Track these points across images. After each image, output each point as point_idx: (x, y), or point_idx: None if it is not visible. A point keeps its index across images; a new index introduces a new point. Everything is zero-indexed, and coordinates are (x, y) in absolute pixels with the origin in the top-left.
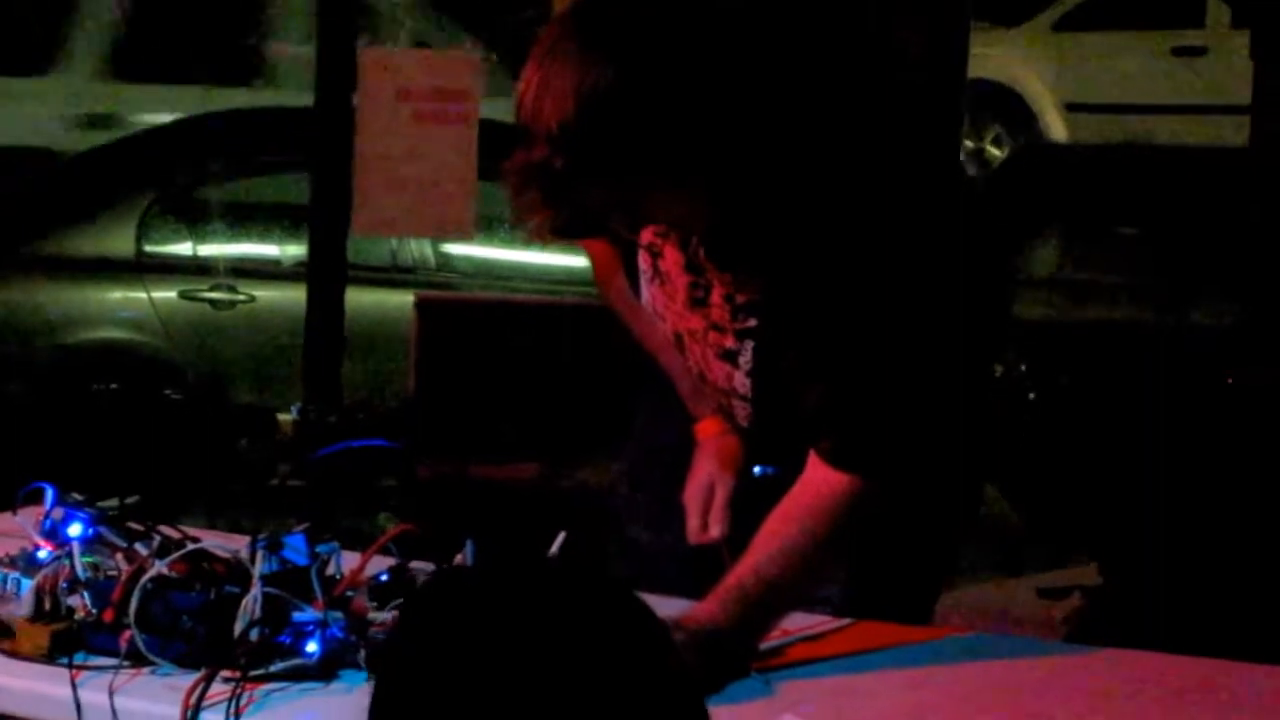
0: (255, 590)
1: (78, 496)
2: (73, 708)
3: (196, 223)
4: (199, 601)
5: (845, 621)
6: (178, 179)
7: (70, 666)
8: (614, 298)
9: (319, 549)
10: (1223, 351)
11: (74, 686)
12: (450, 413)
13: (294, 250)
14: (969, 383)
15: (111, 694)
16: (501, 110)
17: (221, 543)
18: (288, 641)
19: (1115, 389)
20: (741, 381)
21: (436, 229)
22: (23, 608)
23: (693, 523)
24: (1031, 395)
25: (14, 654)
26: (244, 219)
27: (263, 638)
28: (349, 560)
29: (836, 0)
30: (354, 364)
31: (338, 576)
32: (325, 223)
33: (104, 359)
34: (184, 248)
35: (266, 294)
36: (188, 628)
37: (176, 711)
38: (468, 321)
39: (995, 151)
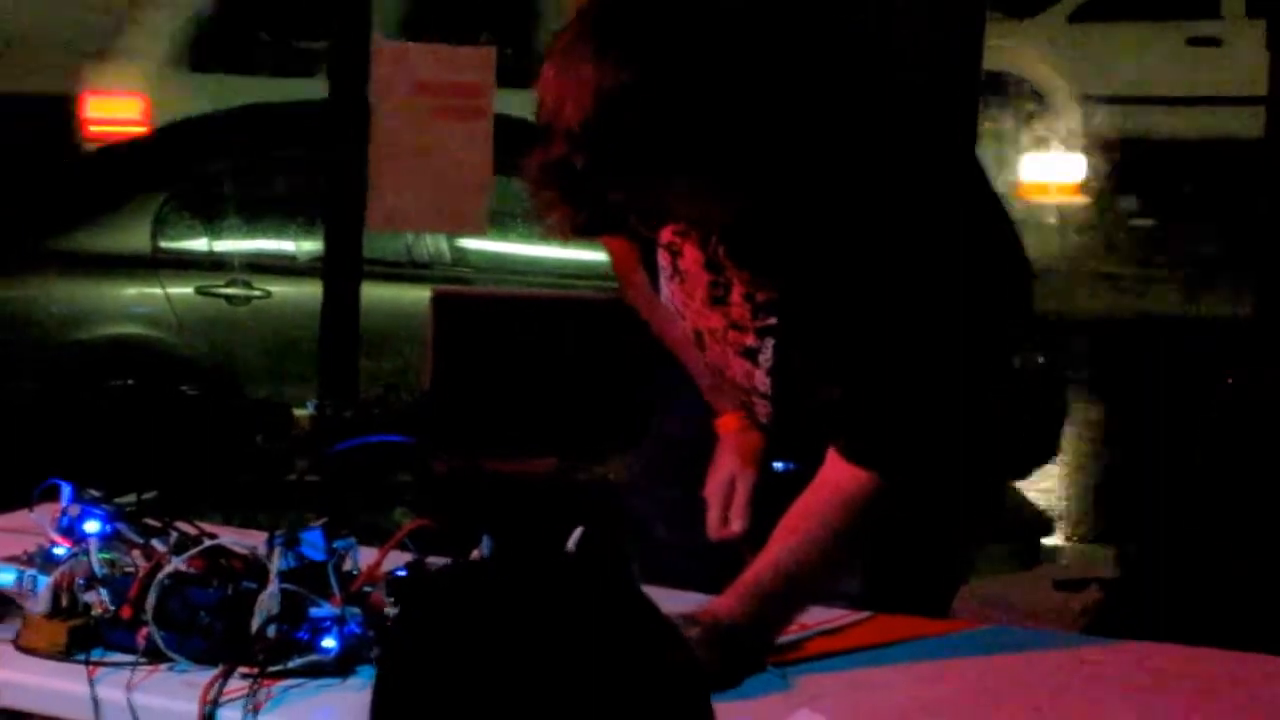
0: (273, 586)
1: (94, 493)
2: (90, 704)
3: (212, 218)
4: (216, 598)
5: (862, 615)
6: (193, 174)
7: (88, 663)
8: (633, 294)
9: (336, 544)
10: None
11: (91, 683)
12: (466, 407)
13: (309, 245)
14: (989, 379)
15: (129, 690)
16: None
17: (239, 539)
18: (305, 637)
19: (1130, 379)
20: (762, 379)
21: (451, 224)
22: (40, 604)
23: (713, 518)
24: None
25: (31, 650)
26: (260, 214)
27: (280, 634)
28: (366, 556)
29: None
30: (370, 359)
31: (355, 572)
32: (340, 218)
33: (120, 355)
34: (200, 243)
35: (282, 289)
36: (205, 624)
37: (194, 708)
38: (484, 316)
39: None
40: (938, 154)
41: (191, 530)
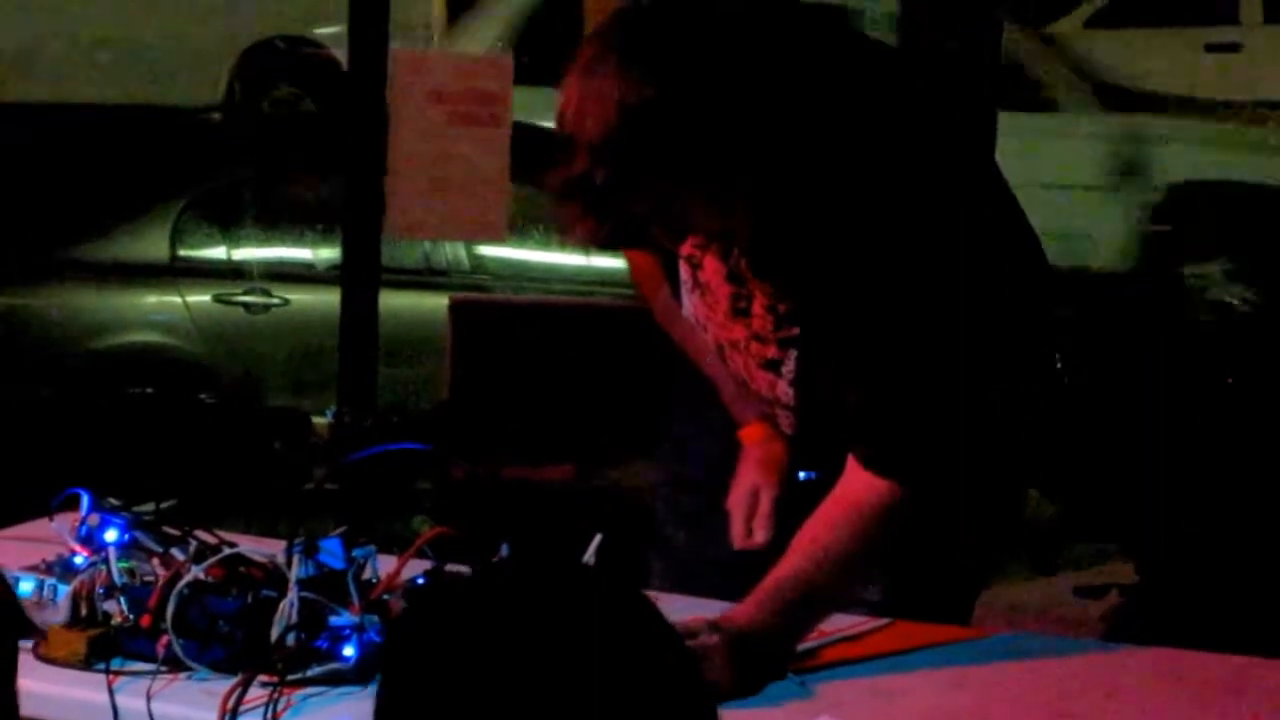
0: (292, 595)
1: (114, 501)
2: (110, 713)
3: (230, 226)
4: (236, 606)
5: (883, 621)
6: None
7: (107, 672)
8: (655, 306)
9: (355, 553)
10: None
11: (111, 692)
12: (485, 415)
13: (327, 253)
14: (1010, 387)
15: (149, 699)
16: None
17: (258, 547)
18: (325, 646)
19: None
20: (785, 390)
21: (470, 231)
22: (60, 614)
23: (737, 529)
24: (1066, 389)
25: (51, 660)
26: (277, 222)
27: (299, 642)
28: (385, 564)
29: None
30: (388, 367)
31: (374, 580)
32: (358, 226)
33: (138, 363)
34: (218, 251)
35: (300, 297)
36: (225, 632)
37: (214, 717)
38: (502, 323)
39: None
40: (957, 162)
41: (210, 539)
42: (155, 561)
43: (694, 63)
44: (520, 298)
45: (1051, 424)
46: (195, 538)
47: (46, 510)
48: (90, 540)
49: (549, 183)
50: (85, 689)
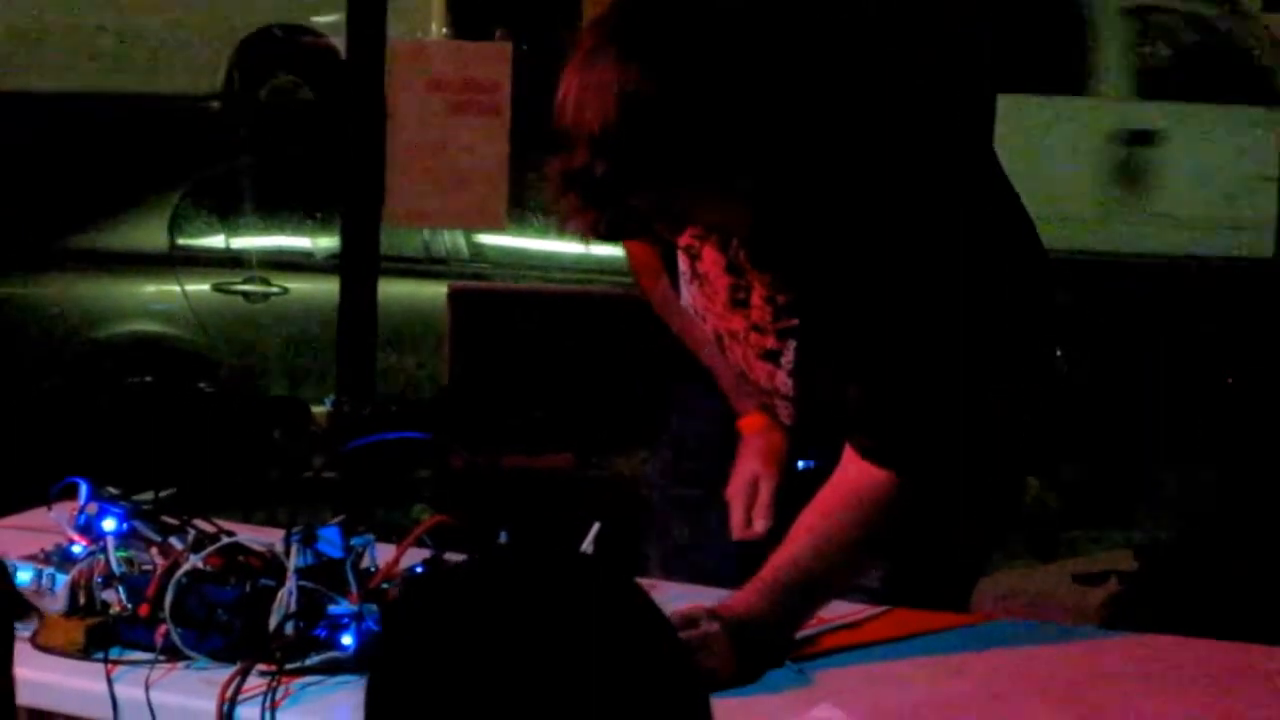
0: (290, 584)
1: (112, 491)
2: (108, 702)
3: (228, 215)
4: (234, 595)
5: (881, 609)
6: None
7: (106, 661)
8: (654, 295)
9: (353, 541)
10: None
11: (109, 681)
12: (484, 403)
13: (326, 242)
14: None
15: (147, 688)
16: None
17: (256, 536)
18: (323, 635)
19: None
20: (784, 381)
21: (469, 220)
22: (58, 603)
23: (737, 519)
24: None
25: (49, 649)
26: (276, 211)
27: (298, 631)
28: (384, 552)
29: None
30: (387, 355)
31: (373, 569)
32: (357, 214)
33: (137, 352)
34: (216, 240)
35: (299, 286)
36: (223, 621)
37: (212, 705)
38: (501, 312)
39: None
40: (956, 156)
41: (209, 528)
42: (154, 550)
43: (694, 53)
44: (519, 286)
45: (1051, 414)
46: (194, 527)
47: (45, 499)
48: (89, 529)
49: (547, 175)
50: (83, 678)
